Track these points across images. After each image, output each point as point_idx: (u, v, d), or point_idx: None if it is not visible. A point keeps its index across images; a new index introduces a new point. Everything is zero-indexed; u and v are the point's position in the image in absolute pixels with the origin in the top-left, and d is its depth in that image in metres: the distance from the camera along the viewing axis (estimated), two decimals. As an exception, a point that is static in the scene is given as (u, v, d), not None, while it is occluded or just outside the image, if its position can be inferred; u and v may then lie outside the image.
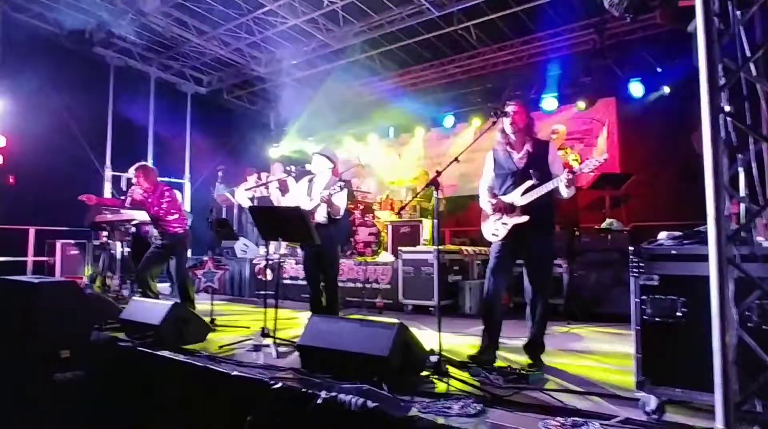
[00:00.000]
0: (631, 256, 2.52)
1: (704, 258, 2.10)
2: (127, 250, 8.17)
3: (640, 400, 2.49)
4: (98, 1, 8.67)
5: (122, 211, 8.03)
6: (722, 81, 2.18)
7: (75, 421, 3.49)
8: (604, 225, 6.53)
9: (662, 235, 2.61)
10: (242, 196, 8.92)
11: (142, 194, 5.76)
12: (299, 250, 7.95)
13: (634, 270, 2.51)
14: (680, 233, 2.54)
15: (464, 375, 3.23)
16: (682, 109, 7.72)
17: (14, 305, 3.64)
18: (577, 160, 7.08)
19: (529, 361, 3.55)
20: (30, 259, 8.88)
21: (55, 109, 8.78)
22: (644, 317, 2.49)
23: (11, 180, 8.20)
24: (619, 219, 6.78)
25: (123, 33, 9.37)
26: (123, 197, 6.00)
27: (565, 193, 3.46)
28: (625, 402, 2.66)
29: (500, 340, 3.69)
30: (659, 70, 8.62)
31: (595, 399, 2.79)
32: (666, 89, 8.59)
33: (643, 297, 2.50)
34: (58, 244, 8.72)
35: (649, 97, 8.85)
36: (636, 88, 8.87)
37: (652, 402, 2.43)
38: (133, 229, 7.62)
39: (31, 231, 8.89)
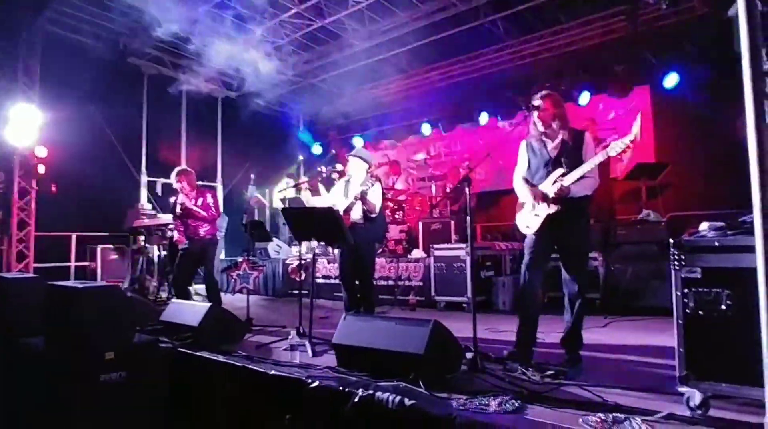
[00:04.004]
0: (671, 249, 2.46)
1: (750, 249, 2.03)
2: (164, 253, 8.40)
3: (683, 395, 2.42)
4: (130, 12, 8.92)
5: (159, 215, 8.26)
6: (767, 67, 2.10)
7: (120, 420, 3.59)
8: (640, 216, 6.38)
9: (704, 226, 2.53)
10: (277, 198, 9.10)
11: (188, 198, 5.83)
12: (330, 250, 8.03)
13: (675, 262, 2.44)
14: (723, 224, 2.46)
15: (501, 371, 3.20)
16: (719, 96, 7.47)
17: (61, 309, 3.77)
18: None
19: (567, 357, 3.50)
20: (72, 264, 9.20)
21: (93, 119, 9.04)
22: (687, 311, 2.42)
23: (53, 188, 8.49)
24: (656, 210, 6.62)
25: (155, 42, 9.63)
26: (177, 212, 6.03)
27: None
28: (668, 397, 2.60)
29: (537, 335, 3.64)
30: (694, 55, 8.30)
31: (636, 394, 2.74)
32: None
33: (685, 290, 2.43)
34: (99, 249, 9.01)
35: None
36: (671, 80, 8.57)
37: (697, 397, 2.37)
38: (170, 233, 7.82)
39: (73, 237, 9.20)
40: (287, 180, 9.02)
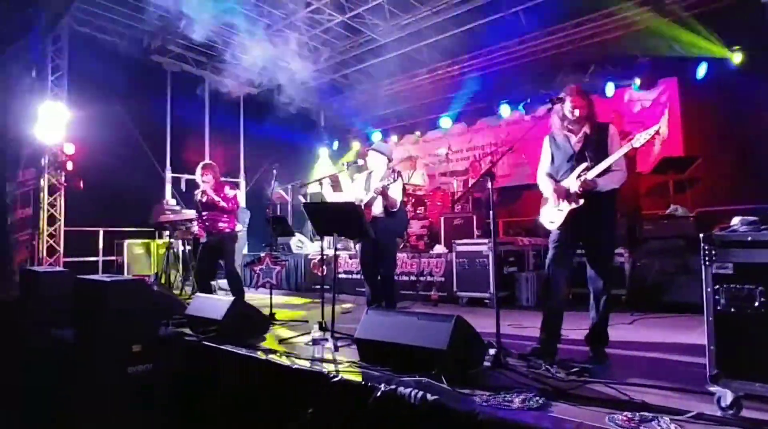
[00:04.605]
0: (702, 244, 2.39)
1: (785, 244, 1.97)
2: (188, 248, 8.52)
3: (714, 394, 2.36)
4: (154, 10, 9.04)
5: (183, 210, 8.37)
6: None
7: (147, 411, 3.67)
8: (668, 211, 6.25)
9: (736, 221, 2.46)
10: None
11: (212, 189, 5.94)
12: (352, 245, 8.05)
13: (706, 258, 2.38)
14: (756, 218, 2.39)
15: (525, 368, 3.17)
16: (750, 87, 7.28)
17: (89, 303, 3.85)
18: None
19: (592, 354, 3.44)
20: (100, 258, 9.40)
21: (118, 116, 9.19)
22: (718, 308, 2.36)
23: (81, 185, 8.67)
24: (684, 204, 6.47)
25: (178, 40, 9.76)
26: (198, 201, 6.15)
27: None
28: (697, 396, 2.53)
29: (561, 332, 3.59)
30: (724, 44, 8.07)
31: (664, 393, 2.68)
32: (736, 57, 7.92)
33: (717, 286, 2.36)
34: (125, 243, 9.18)
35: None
36: (700, 69, 8.34)
37: (728, 396, 2.30)
38: (194, 228, 7.92)
39: (101, 232, 9.40)
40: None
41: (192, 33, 9.06)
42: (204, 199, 5.92)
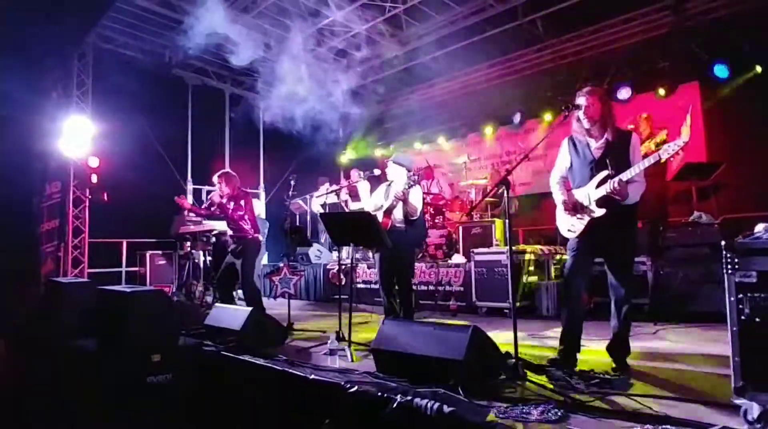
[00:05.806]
0: (724, 251, 2.33)
1: (811, 251, 1.91)
2: (208, 258, 8.61)
3: (740, 407, 2.29)
4: (175, 26, 9.23)
5: (204, 221, 8.50)
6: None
7: (165, 421, 3.69)
8: (691, 218, 6.11)
9: (759, 228, 2.39)
10: (316, 203, 9.25)
11: (221, 198, 6.07)
12: (371, 255, 8.04)
13: (729, 266, 2.31)
14: (780, 225, 2.32)
15: (543, 379, 3.11)
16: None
17: (111, 313, 3.91)
18: (661, 142, 6.59)
19: (613, 365, 3.37)
20: (123, 269, 9.56)
21: (141, 130, 9.37)
22: (742, 317, 2.29)
23: (105, 197, 8.85)
24: (709, 211, 6.32)
25: (199, 54, 9.94)
26: (204, 206, 6.45)
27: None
28: (723, 409, 2.46)
29: (581, 342, 3.52)
30: (747, 48, 7.92)
31: (688, 405, 2.60)
32: (758, 68, 7.84)
33: (740, 295, 2.29)
34: (147, 254, 9.32)
35: (737, 80, 8.13)
36: (722, 71, 8.18)
37: (755, 409, 2.22)
38: (214, 239, 8.01)
39: (124, 243, 9.56)
40: (327, 186, 9.21)
41: (209, 46, 9.22)
42: (208, 206, 6.12)
